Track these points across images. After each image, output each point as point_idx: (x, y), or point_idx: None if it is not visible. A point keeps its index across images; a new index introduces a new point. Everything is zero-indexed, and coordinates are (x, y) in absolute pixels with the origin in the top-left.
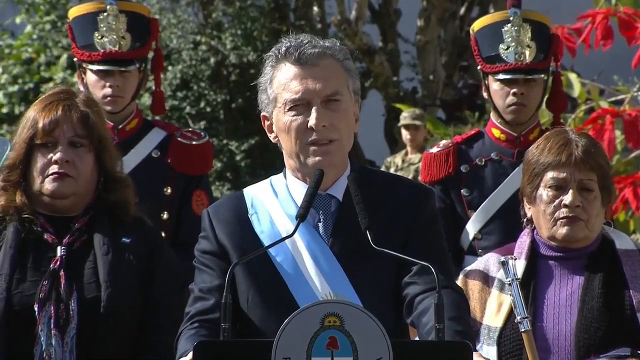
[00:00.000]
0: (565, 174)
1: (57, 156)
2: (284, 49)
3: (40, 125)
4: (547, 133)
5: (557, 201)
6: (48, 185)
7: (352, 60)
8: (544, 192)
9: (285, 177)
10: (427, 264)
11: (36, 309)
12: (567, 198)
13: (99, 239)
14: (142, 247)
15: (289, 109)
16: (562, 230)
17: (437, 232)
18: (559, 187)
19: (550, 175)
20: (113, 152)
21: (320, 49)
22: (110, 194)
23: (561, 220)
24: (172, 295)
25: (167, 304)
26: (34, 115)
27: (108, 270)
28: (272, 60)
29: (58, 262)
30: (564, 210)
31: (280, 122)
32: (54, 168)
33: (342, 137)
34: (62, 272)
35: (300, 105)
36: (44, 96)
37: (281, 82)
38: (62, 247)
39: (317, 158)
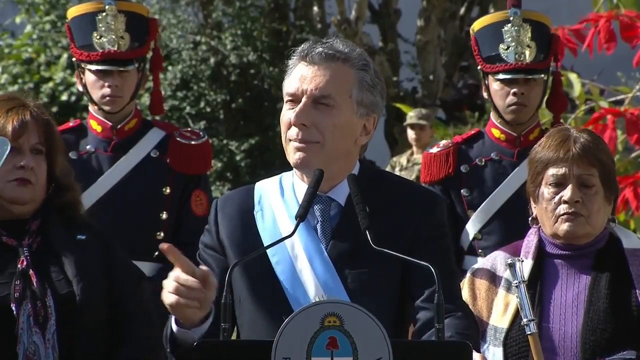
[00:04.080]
0: (563, 170)
1: (23, 162)
2: (302, 47)
3: (9, 128)
4: (549, 131)
5: (557, 198)
6: (11, 191)
7: (372, 73)
8: (545, 190)
9: (293, 175)
10: (427, 264)
11: (14, 308)
12: (566, 194)
13: (57, 238)
14: (96, 243)
15: (286, 102)
16: (564, 227)
17: (444, 248)
18: (559, 184)
19: (550, 172)
20: (64, 161)
21: (332, 52)
22: (60, 197)
23: (562, 216)
24: (132, 288)
25: (130, 296)
26: None
27: (75, 265)
28: (293, 57)
29: (25, 263)
30: (564, 206)
31: (281, 114)
32: (17, 174)
33: (325, 141)
34: (31, 271)
35: (294, 101)
36: None
37: (289, 77)
38: (24, 249)
39: (295, 156)
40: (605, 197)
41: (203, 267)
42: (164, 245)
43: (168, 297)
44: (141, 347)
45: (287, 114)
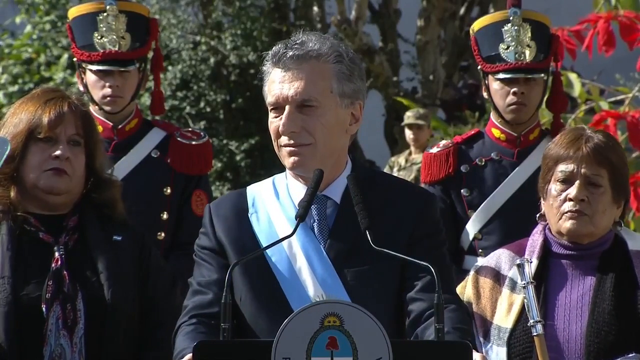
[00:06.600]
0: (572, 167)
1: (58, 152)
2: (274, 51)
3: (45, 119)
4: (565, 129)
5: (563, 195)
6: (45, 180)
7: (347, 61)
8: (553, 186)
9: (286, 176)
10: (427, 264)
11: (44, 309)
12: (572, 191)
13: (93, 238)
14: (132, 245)
15: (270, 111)
16: (567, 224)
17: (439, 243)
18: (566, 181)
19: (559, 168)
20: (103, 154)
21: (303, 52)
22: (99, 193)
23: (566, 214)
24: (166, 292)
25: (164, 300)
26: (34, 109)
27: (108, 268)
28: (266, 62)
29: (59, 262)
30: (569, 204)
31: (268, 122)
32: (53, 164)
33: (317, 141)
34: (65, 272)
35: (278, 109)
36: (37, 92)
37: (267, 84)
38: (60, 247)
39: (290, 160)
40: (612, 199)
41: None
42: None
43: None
44: (170, 351)
45: (274, 122)
